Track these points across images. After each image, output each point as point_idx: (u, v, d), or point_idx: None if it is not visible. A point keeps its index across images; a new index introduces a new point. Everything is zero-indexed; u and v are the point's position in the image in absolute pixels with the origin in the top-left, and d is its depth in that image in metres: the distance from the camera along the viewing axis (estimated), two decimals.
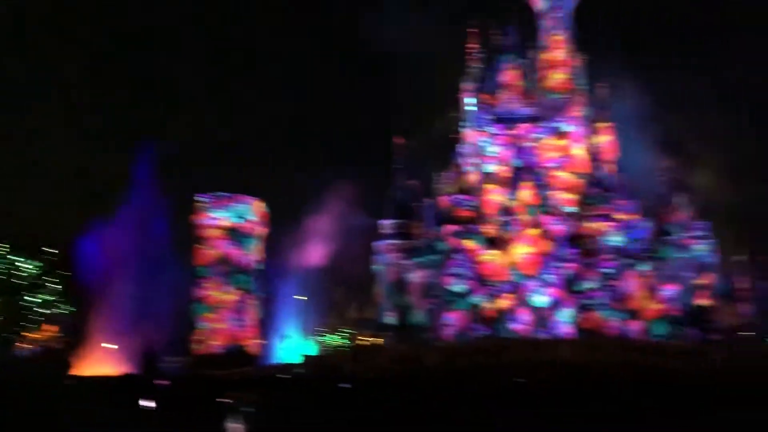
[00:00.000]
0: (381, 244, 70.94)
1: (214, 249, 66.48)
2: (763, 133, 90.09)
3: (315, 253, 72.58)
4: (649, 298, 62.02)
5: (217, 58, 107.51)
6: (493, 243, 62.08)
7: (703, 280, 67.71)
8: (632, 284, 61.21)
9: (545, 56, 72.50)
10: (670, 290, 62.75)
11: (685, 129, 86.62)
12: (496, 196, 68.32)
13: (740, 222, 73.50)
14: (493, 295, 59.94)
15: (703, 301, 64.08)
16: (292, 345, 60.15)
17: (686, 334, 59.47)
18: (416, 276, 67.11)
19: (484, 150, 70.92)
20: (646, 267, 62.52)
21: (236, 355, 62.19)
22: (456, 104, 75.73)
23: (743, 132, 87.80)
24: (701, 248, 68.13)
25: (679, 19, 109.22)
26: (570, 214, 64.39)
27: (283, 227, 71.26)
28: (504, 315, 59.28)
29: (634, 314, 60.46)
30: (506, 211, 63.77)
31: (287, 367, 47.39)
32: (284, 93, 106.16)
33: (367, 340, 63.55)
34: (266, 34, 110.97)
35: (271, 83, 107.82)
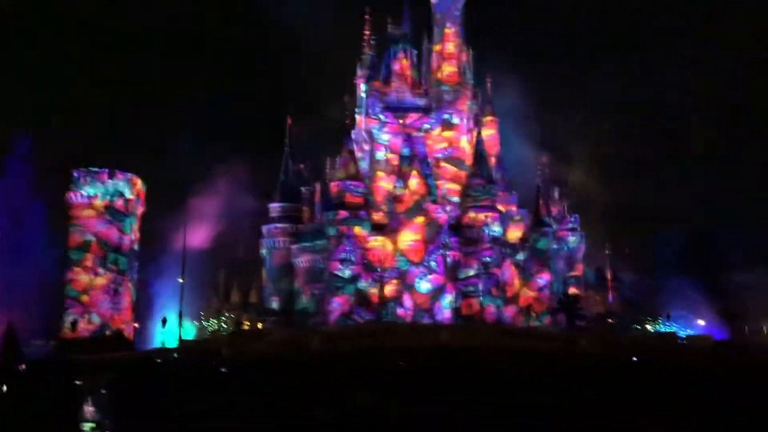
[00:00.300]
0: (268, 228, 69.91)
1: (87, 229, 62.60)
2: (634, 135, 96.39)
3: (198, 234, 70.38)
4: (525, 286, 64.93)
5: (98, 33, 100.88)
6: (381, 229, 62.61)
7: (574, 270, 71.92)
8: (509, 273, 63.77)
9: (437, 48, 73.87)
10: (543, 279, 66.04)
11: (563, 127, 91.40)
12: (384, 183, 69.10)
13: (608, 217, 78.43)
14: (379, 281, 60.51)
15: (573, 290, 67.97)
16: (171, 329, 57.92)
17: (557, 320, 62.80)
18: (302, 261, 66.66)
19: (375, 137, 71.46)
20: (521, 256, 65.40)
21: (109, 339, 59.15)
22: (349, 90, 75.72)
23: (616, 133, 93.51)
24: (572, 240, 72.29)
25: (567, 21, 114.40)
26: (454, 204, 66.15)
27: (163, 206, 68.46)
28: (389, 301, 60.03)
29: (510, 301, 63.09)
30: (394, 198, 64.47)
31: (161, 352, 45.62)
32: (174, 70, 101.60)
33: (249, 325, 62.28)
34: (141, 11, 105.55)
35: (161, 60, 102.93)
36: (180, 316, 56.48)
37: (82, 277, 61.96)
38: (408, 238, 62.07)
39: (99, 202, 62.84)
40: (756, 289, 72.24)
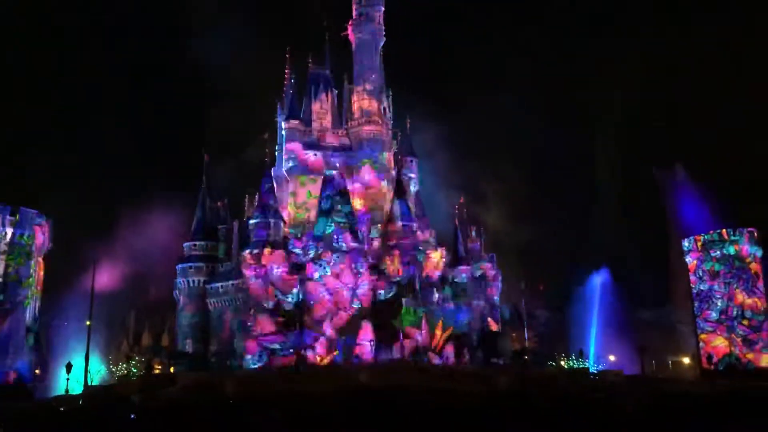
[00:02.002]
0: (182, 267, 67.77)
1: None
2: (546, 180, 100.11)
3: (107, 275, 67.28)
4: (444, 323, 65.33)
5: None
6: (300, 269, 61.78)
7: (491, 307, 73.13)
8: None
9: (357, 88, 74.83)
10: (463, 315, 66.67)
11: (479, 168, 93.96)
12: (303, 221, 68.64)
13: (523, 255, 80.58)
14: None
15: (491, 327, 68.98)
16: (77, 374, 54.56)
17: (476, 357, 63.30)
18: (217, 301, 64.86)
19: (294, 176, 71.15)
20: (442, 293, 65.93)
21: (10, 387, 55.08)
22: (270, 129, 75.36)
23: (529, 176, 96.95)
24: (489, 277, 73.77)
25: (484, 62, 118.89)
26: (375, 241, 66.30)
27: (71, 245, 65.22)
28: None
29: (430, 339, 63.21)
30: (314, 237, 63.89)
31: (65, 399, 42.86)
32: (89, 104, 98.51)
33: (160, 369, 59.64)
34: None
35: (72, 93, 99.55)
36: (86, 361, 53.37)
37: None
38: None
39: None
40: (661, 325, 75.73)
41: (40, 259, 60.41)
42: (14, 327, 56.85)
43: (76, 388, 52.85)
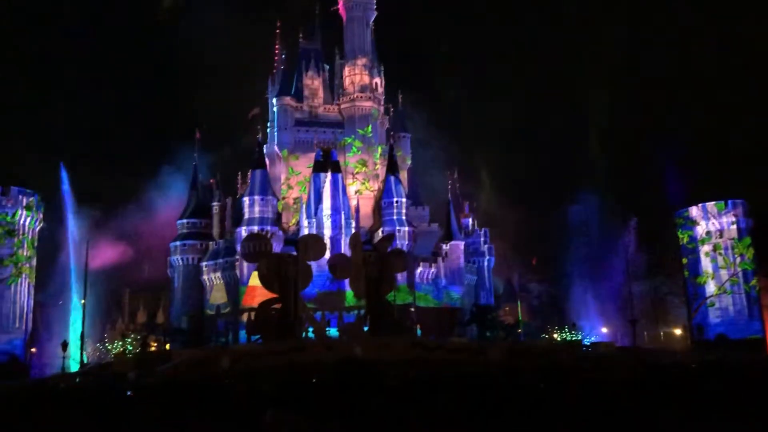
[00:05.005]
0: (175, 245, 67.88)
1: None
2: (537, 152, 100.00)
3: (101, 253, 67.30)
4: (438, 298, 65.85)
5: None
6: (294, 244, 61.95)
7: (484, 282, 73.61)
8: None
9: (349, 62, 74.37)
10: (456, 290, 67.23)
11: (473, 143, 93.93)
12: (296, 198, 68.67)
13: (516, 229, 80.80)
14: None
15: (485, 302, 69.61)
16: (72, 353, 54.84)
17: (469, 331, 63.96)
18: (212, 278, 65.09)
19: (287, 152, 70.99)
20: (434, 270, 66.35)
21: (4, 364, 55.21)
22: (261, 105, 75.05)
23: (522, 150, 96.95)
24: (482, 252, 74.21)
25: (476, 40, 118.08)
26: (367, 218, 66.48)
27: (64, 224, 64.98)
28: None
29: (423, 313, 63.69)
30: (307, 213, 63.93)
31: (62, 377, 43.11)
32: (81, 83, 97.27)
33: (156, 346, 60.00)
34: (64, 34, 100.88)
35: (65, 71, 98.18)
36: (82, 339, 53.64)
37: None
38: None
39: None
40: (652, 296, 76.35)
41: (31, 238, 59.98)
42: None
43: (73, 367, 53.18)
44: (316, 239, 58.26)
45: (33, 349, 60.54)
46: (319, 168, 65.05)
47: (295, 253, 58.60)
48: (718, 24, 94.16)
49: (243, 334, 57.41)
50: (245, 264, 60.43)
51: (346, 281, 57.25)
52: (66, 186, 65.76)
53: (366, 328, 54.88)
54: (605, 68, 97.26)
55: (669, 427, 13.75)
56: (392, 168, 67.53)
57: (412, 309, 61.69)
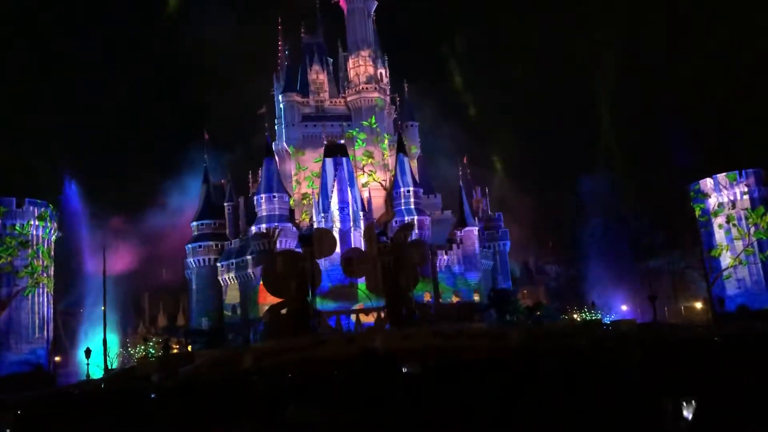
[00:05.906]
0: (191, 247, 68.21)
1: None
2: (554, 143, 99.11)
3: (120, 258, 67.94)
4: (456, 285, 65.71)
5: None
6: (307, 241, 62.06)
7: (501, 266, 73.39)
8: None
9: (352, 54, 74.17)
10: (472, 276, 66.99)
11: (482, 126, 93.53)
12: (308, 194, 68.72)
13: (530, 212, 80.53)
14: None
15: (502, 286, 69.42)
16: (95, 359, 55.39)
17: (488, 316, 63.78)
18: (229, 277, 65.40)
19: (295, 148, 71.04)
20: (449, 257, 66.15)
21: (30, 374, 55.92)
22: (267, 102, 75.04)
23: (531, 133, 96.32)
24: (497, 237, 73.96)
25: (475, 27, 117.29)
26: (380, 209, 66.40)
27: (80, 232, 65.58)
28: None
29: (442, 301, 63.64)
30: (319, 208, 63.96)
31: (85, 384, 43.63)
32: (91, 86, 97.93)
33: (178, 348, 60.47)
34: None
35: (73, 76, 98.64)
36: (104, 345, 54.19)
37: None
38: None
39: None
40: (671, 271, 75.88)
41: (46, 247, 60.53)
42: (15, 317, 57.33)
43: (97, 373, 53.72)
44: (326, 233, 58.23)
45: (57, 358, 61.25)
46: (329, 153, 63.54)
47: (299, 251, 58.93)
48: None
49: (263, 332, 57.76)
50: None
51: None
52: (74, 194, 66.37)
53: (387, 327, 55.01)
54: (613, 42, 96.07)
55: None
56: (401, 157, 67.22)
57: (430, 301, 61.74)
